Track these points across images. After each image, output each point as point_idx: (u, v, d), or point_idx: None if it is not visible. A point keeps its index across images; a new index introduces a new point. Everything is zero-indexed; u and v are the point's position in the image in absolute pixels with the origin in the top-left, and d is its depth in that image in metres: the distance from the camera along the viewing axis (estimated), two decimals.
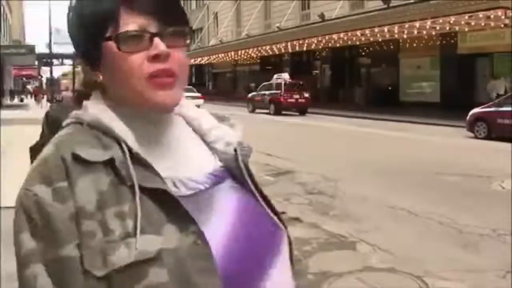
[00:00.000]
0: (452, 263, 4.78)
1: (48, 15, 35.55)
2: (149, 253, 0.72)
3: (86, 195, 0.75)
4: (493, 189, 8.05)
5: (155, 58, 0.80)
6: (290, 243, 0.91)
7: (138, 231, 0.73)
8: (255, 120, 22.51)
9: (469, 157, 11.29)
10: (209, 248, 0.75)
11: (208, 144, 0.93)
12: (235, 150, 0.91)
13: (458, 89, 22.37)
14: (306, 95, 26.18)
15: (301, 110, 26.09)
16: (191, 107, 0.96)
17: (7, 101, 43.58)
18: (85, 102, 0.87)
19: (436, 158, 10.98)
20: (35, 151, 2.47)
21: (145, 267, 0.72)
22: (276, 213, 0.90)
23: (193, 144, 0.91)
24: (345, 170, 9.67)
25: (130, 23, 0.80)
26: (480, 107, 15.47)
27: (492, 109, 14.86)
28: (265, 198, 0.91)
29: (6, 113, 23.10)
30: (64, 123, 0.85)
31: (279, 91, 26.00)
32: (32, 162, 2.51)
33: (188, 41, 0.86)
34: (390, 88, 27.88)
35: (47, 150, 0.80)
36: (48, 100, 35.61)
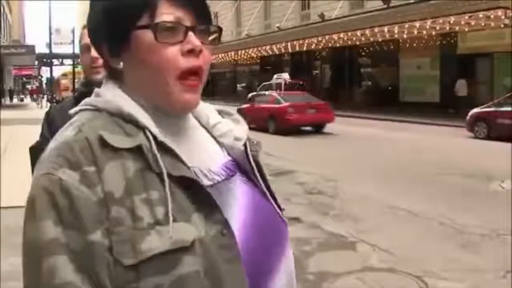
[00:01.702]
0: (452, 263, 4.78)
1: (48, 15, 35.49)
2: (185, 241, 0.71)
3: (114, 181, 0.72)
4: (493, 189, 8.05)
5: (190, 52, 0.80)
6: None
7: (171, 219, 0.72)
8: None
9: (469, 157, 11.29)
10: (235, 237, 0.76)
11: (215, 138, 0.93)
12: (245, 146, 0.91)
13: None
14: None
15: None
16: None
17: (6, 101, 43.57)
18: (97, 90, 0.85)
19: (436, 158, 10.98)
20: (35, 151, 2.46)
21: (180, 256, 0.71)
22: (280, 209, 0.92)
23: (202, 137, 0.91)
24: (345, 170, 9.67)
25: (166, 14, 0.79)
26: (480, 107, 15.49)
27: (492, 109, 14.89)
28: (272, 194, 0.92)
29: (6, 113, 23.09)
30: (73, 110, 0.83)
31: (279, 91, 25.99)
32: (32, 162, 2.52)
33: (213, 40, 0.86)
34: (390, 88, 27.87)
35: (69, 133, 0.76)
36: (48, 100, 35.60)
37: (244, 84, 42.34)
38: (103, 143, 0.74)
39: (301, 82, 26.84)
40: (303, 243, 5.38)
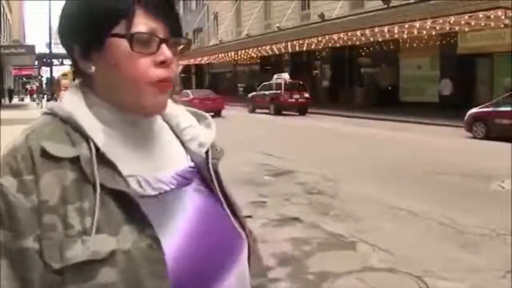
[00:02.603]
0: (452, 263, 4.78)
1: (48, 15, 35.49)
2: (101, 253, 0.73)
3: (50, 189, 0.75)
4: (493, 189, 8.05)
5: (161, 64, 0.82)
6: (249, 247, 0.92)
7: (93, 230, 0.74)
8: (255, 120, 22.52)
9: (468, 157, 11.29)
10: (163, 253, 0.76)
11: (182, 142, 0.94)
12: (207, 153, 0.92)
13: (458, 89, 22.37)
14: (306, 95, 26.19)
15: (301, 110, 26.09)
16: (170, 104, 0.96)
17: (6, 101, 43.55)
18: (62, 93, 0.88)
19: (435, 158, 10.98)
20: None
21: (96, 267, 0.73)
22: (239, 218, 0.92)
23: (167, 142, 0.92)
24: (345, 170, 9.67)
25: (141, 24, 0.81)
26: (478, 107, 15.53)
27: (490, 109, 14.93)
28: (230, 203, 0.92)
29: (6, 113, 23.09)
30: (41, 113, 0.86)
31: (279, 91, 26.00)
32: None
33: (182, 50, 0.89)
34: (390, 88, 27.87)
35: (17, 140, 0.80)
36: (48, 100, 35.60)
37: (243, 85, 42.34)
38: (44, 152, 0.77)
39: (301, 82, 26.83)
40: (303, 243, 5.38)
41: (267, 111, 26.60)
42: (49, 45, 38.19)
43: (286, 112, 25.94)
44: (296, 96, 26.00)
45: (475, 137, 14.90)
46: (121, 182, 0.78)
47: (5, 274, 0.73)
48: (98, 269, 0.73)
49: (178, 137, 0.94)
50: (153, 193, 0.83)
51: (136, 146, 0.86)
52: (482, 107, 15.34)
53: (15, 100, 50.20)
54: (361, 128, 18.19)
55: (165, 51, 0.82)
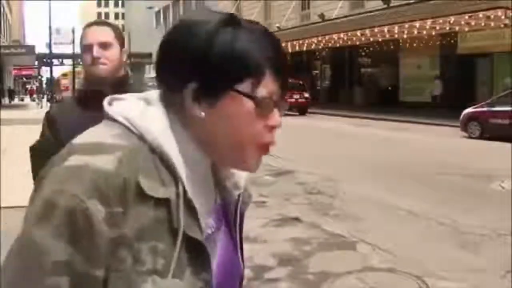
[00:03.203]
0: (452, 263, 4.78)
1: (48, 15, 35.50)
2: None
3: (131, 224, 0.73)
4: (493, 189, 8.05)
5: (272, 129, 0.81)
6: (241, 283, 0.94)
7: (170, 273, 0.74)
8: None
9: (463, 156, 11.29)
10: None
11: (217, 177, 0.89)
12: (239, 196, 0.90)
13: (458, 89, 22.39)
14: (306, 95, 26.18)
15: (301, 110, 26.09)
16: None
17: (6, 101, 43.57)
18: (144, 108, 0.80)
19: (434, 158, 10.98)
20: (35, 151, 2.47)
21: None
22: (242, 255, 0.93)
23: (208, 179, 0.88)
24: (345, 170, 9.67)
25: (267, 87, 0.78)
26: (472, 107, 15.70)
27: (485, 109, 15.10)
28: (241, 244, 0.93)
29: (6, 113, 23.09)
30: (114, 116, 0.80)
31: None
32: (32, 161, 2.52)
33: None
34: (390, 88, 27.88)
35: (109, 163, 0.73)
36: (48, 100, 35.61)
37: None
38: (139, 188, 0.73)
39: (301, 82, 26.83)
40: (303, 243, 5.38)
41: None
42: (49, 45, 38.19)
43: (286, 112, 25.74)
44: (296, 96, 25.98)
45: (470, 137, 15.05)
46: (198, 230, 0.77)
47: None
48: None
49: (213, 172, 0.89)
50: (200, 238, 0.79)
51: (199, 188, 0.83)
52: (476, 107, 15.50)
53: (16, 100, 50.19)
54: (361, 128, 18.20)
55: (277, 117, 0.81)
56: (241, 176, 0.92)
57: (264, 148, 0.82)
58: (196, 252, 0.77)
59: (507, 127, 14.05)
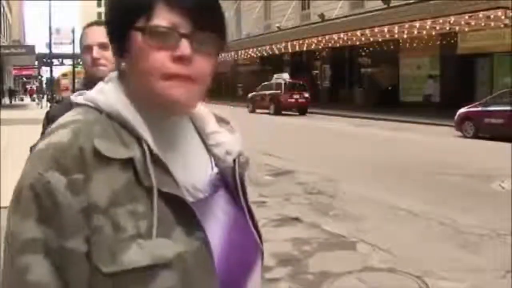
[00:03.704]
0: (452, 263, 4.77)
1: (48, 15, 35.51)
2: (165, 258, 0.73)
3: (100, 191, 0.73)
4: (493, 189, 8.05)
5: (178, 59, 0.77)
6: (262, 257, 0.92)
7: (154, 234, 0.73)
8: (255, 120, 22.52)
9: (458, 156, 11.30)
10: (212, 253, 0.77)
11: (207, 146, 0.91)
12: (234, 161, 0.90)
13: (458, 89, 22.39)
14: (306, 95, 26.19)
15: (301, 110, 26.10)
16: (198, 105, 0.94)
17: (6, 101, 43.56)
18: (102, 86, 0.84)
19: (435, 158, 10.99)
20: None
21: (158, 271, 0.72)
22: (256, 227, 0.91)
23: (195, 145, 0.89)
24: (345, 170, 9.67)
25: (163, 18, 0.77)
26: (467, 107, 15.87)
27: (479, 108, 15.28)
28: (250, 212, 0.90)
29: (6, 113, 23.09)
30: (75, 99, 0.83)
31: (279, 91, 26.01)
32: None
33: (219, 51, 0.84)
34: (390, 88, 27.88)
35: (64, 136, 0.76)
36: (48, 100, 35.60)
37: (241, 85, 42.37)
38: (96, 152, 0.74)
39: (301, 82, 26.84)
40: (303, 243, 5.38)
41: (267, 111, 26.60)
42: (49, 45, 38.19)
43: (286, 112, 25.94)
44: (296, 96, 26.00)
45: (465, 136, 15.22)
46: (173, 185, 0.77)
47: (46, 272, 0.72)
48: (158, 274, 0.72)
49: (202, 140, 0.92)
50: (190, 200, 0.80)
51: (174, 150, 0.84)
52: (471, 107, 15.69)
53: (16, 100, 50.17)
54: (361, 128, 18.20)
55: (184, 47, 0.77)
56: (233, 142, 0.91)
57: (176, 82, 0.77)
58: (182, 210, 0.76)
59: (500, 126, 14.32)
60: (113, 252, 0.71)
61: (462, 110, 15.75)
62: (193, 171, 0.85)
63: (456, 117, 15.79)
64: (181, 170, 0.82)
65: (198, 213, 0.78)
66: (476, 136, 14.87)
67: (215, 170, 0.90)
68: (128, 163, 0.75)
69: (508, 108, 14.33)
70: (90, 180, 0.73)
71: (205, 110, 0.94)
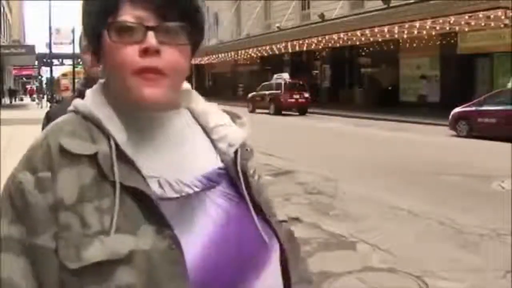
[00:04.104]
0: (452, 263, 4.77)
1: (48, 15, 35.51)
2: (120, 254, 0.71)
3: (67, 187, 0.74)
4: (493, 189, 8.05)
5: (144, 52, 0.77)
6: (283, 257, 0.87)
7: (113, 230, 0.72)
8: (255, 120, 22.52)
9: (464, 156, 11.31)
10: (183, 254, 0.74)
11: (212, 142, 0.90)
12: (235, 153, 0.88)
13: (458, 89, 22.38)
14: (306, 95, 26.20)
15: (301, 110, 26.10)
16: (200, 101, 0.93)
17: (7, 101, 43.56)
18: (87, 92, 0.86)
19: (434, 158, 10.99)
20: None
21: (114, 267, 0.71)
22: (270, 225, 0.86)
23: (195, 141, 0.88)
24: (345, 170, 9.67)
25: (128, 14, 0.78)
26: (461, 106, 16.03)
27: (473, 108, 15.48)
28: (258, 206, 0.86)
29: (6, 113, 23.09)
30: (69, 109, 0.86)
31: (279, 91, 26.02)
32: None
33: (194, 41, 0.83)
34: (390, 88, 27.88)
35: (38, 137, 0.81)
36: (48, 100, 35.59)
37: (241, 85, 42.38)
38: (62, 149, 0.76)
39: (301, 82, 26.84)
40: (303, 243, 5.38)
41: (267, 111, 26.60)
42: (49, 45, 38.19)
43: (286, 112, 25.94)
44: (296, 96, 26.00)
45: (459, 135, 15.41)
46: (140, 180, 0.76)
47: (18, 270, 0.73)
48: (116, 270, 0.71)
49: (208, 136, 0.90)
50: (174, 195, 0.79)
51: (159, 146, 0.83)
52: (464, 107, 15.88)
53: (16, 100, 50.15)
54: (361, 128, 18.20)
55: (149, 39, 0.76)
56: (236, 134, 0.90)
57: (142, 77, 0.77)
58: (149, 206, 0.75)
59: (493, 126, 14.55)
60: (77, 249, 0.72)
61: (456, 109, 16.01)
62: (183, 167, 0.83)
63: (450, 116, 16.05)
64: (162, 165, 0.81)
65: (176, 208, 0.77)
66: (469, 135, 15.10)
67: (219, 165, 0.87)
68: (95, 159, 0.76)
69: (501, 108, 14.64)
70: (56, 177, 0.75)
71: (209, 106, 0.93)
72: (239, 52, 36.12)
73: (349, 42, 26.92)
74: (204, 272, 0.75)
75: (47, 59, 44.18)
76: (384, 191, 7.81)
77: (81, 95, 2.29)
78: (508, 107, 14.42)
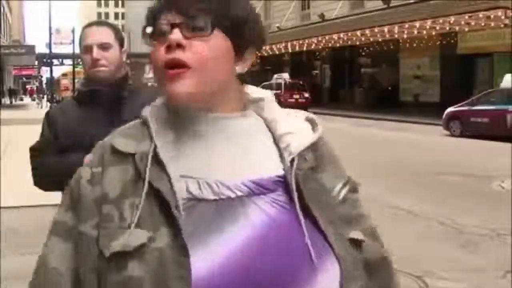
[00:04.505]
0: (452, 263, 4.77)
1: (48, 15, 35.51)
2: (129, 246, 0.74)
3: (112, 183, 0.81)
4: (493, 189, 8.05)
5: (168, 48, 0.80)
6: (341, 273, 0.80)
7: (133, 224, 0.76)
8: None
9: (464, 155, 11.32)
10: (188, 257, 0.73)
11: (279, 150, 0.87)
12: (292, 162, 0.84)
13: (458, 89, 22.39)
14: (306, 95, 26.22)
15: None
16: (273, 108, 0.91)
17: (7, 101, 43.57)
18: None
19: (434, 158, 10.99)
20: (35, 151, 2.45)
21: (126, 259, 0.75)
22: (327, 239, 0.81)
23: (258, 148, 0.85)
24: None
25: (163, 19, 0.83)
26: (454, 106, 16.18)
27: (466, 108, 15.67)
28: (313, 220, 0.81)
29: (6, 113, 23.09)
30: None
31: (279, 91, 26.04)
32: (32, 161, 2.53)
33: (209, 32, 0.81)
34: (390, 88, 27.90)
35: (107, 138, 0.88)
36: (48, 100, 35.60)
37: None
38: (113, 147, 0.83)
39: (301, 82, 26.86)
40: None
41: None
42: (49, 45, 38.18)
43: None
44: (296, 96, 26.03)
45: (452, 135, 15.59)
46: (165, 183, 0.78)
47: (65, 255, 0.81)
48: (126, 261, 0.75)
49: (277, 144, 0.87)
50: (212, 197, 0.78)
51: (210, 148, 0.83)
52: (458, 106, 16.03)
53: (15, 101, 50.16)
54: (361, 128, 18.20)
55: (171, 35, 0.80)
56: (297, 143, 0.87)
57: (167, 72, 0.80)
58: (169, 210, 0.76)
59: (486, 125, 14.76)
60: (111, 239, 0.77)
61: (450, 109, 16.19)
62: (228, 171, 0.81)
63: (444, 116, 16.25)
64: (206, 167, 0.81)
65: (201, 210, 0.77)
66: (462, 134, 15.29)
67: (279, 173, 0.84)
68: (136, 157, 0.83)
69: (493, 107, 14.85)
70: (105, 173, 0.82)
71: (281, 112, 0.92)
72: None
73: (349, 42, 26.94)
74: (219, 283, 0.73)
75: (47, 59, 44.15)
76: (384, 191, 7.81)
77: (81, 95, 2.28)
78: (500, 107, 14.64)
